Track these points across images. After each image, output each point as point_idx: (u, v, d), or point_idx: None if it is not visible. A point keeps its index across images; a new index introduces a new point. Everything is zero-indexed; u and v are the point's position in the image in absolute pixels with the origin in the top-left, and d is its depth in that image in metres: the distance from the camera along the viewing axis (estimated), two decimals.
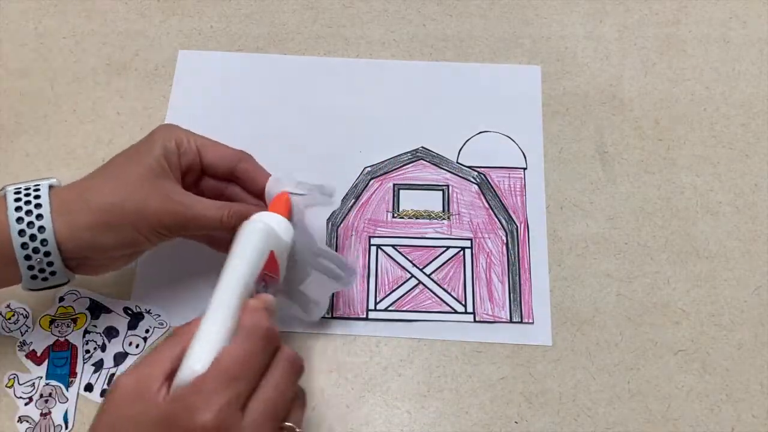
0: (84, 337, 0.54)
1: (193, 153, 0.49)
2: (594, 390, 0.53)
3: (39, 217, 0.44)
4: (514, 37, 0.65)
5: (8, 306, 0.55)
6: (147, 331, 0.54)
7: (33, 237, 0.44)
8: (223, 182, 0.51)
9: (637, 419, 0.52)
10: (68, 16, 0.66)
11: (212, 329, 0.38)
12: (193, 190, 0.49)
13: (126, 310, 0.55)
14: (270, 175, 0.50)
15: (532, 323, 0.54)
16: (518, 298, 0.55)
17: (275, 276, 0.45)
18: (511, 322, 0.54)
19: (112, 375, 0.53)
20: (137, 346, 0.53)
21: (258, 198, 0.50)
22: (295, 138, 0.61)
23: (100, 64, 0.64)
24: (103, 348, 0.53)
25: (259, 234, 0.43)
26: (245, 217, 0.47)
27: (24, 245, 0.44)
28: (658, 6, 0.67)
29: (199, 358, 0.37)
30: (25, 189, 0.46)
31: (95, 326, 0.54)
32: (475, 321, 0.54)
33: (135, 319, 0.54)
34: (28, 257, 0.44)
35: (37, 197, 0.45)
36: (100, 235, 0.45)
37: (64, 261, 0.45)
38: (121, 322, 0.54)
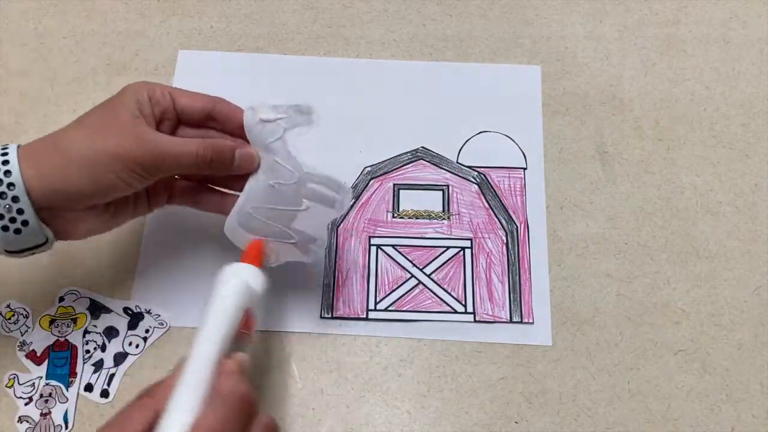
0: (84, 337, 0.54)
1: (166, 101, 0.48)
2: (594, 390, 0.53)
3: (5, 162, 0.43)
4: (514, 37, 0.65)
5: (8, 306, 0.55)
6: (147, 331, 0.54)
7: None
8: (200, 129, 0.50)
9: (637, 419, 0.52)
10: (68, 16, 0.66)
11: (188, 394, 0.37)
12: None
13: (126, 310, 0.55)
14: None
15: (532, 323, 0.54)
16: (518, 298, 0.55)
17: (250, 333, 0.44)
18: (511, 322, 0.54)
19: (112, 375, 0.53)
20: (137, 346, 0.53)
21: (238, 137, 0.49)
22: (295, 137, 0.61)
23: (100, 64, 0.64)
24: (103, 348, 0.53)
25: (234, 293, 0.43)
26: (220, 149, 0.47)
27: None
28: (658, 6, 0.67)
29: (174, 426, 0.36)
30: None
31: (95, 326, 0.54)
32: (475, 321, 0.54)
33: (135, 319, 0.54)
34: None
35: (4, 148, 0.43)
36: (71, 178, 0.44)
37: (36, 212, 0.43)
38: (121, 322, 0.54)
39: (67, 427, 0.51)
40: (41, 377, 0.52)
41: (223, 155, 0.47)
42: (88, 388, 0.52)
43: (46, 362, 0.53)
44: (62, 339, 0.54)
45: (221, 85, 0.64)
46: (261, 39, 0.65)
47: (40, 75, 0.63)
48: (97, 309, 0.55)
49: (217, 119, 0.49)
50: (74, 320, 0.54)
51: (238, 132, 0.49)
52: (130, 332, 0.54)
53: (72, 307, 0.55)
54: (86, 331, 0.54)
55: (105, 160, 0.44)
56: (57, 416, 0.51)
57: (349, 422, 0.52)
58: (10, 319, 0.54)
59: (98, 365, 0.53)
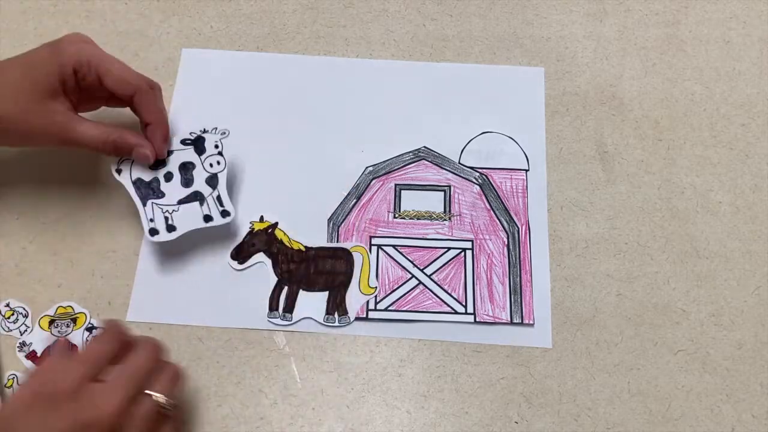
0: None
1: (92, 78, 0.52)
2: (594, 390, 0.53)
3: None
4: (514, 38, 0.65)
5: (7, 305, 0.54)
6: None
7: None
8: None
9: (637, 419, 0.52)
10: (68, 16, 0.66)
11: None
12: (86, 104, 0.54)
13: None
14: (153, 122, 0.54)
15: (533, 325, 0.54)
16: (519, 300, 0.55)
17: None
18: (511, 323, 0.54)
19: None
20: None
21: (146, 126, 0.54)
22: (297, 137, 0.61)
23: None
24: None
25: None
26: (121, 148, 0.53)
27: None
28: (658, 6, 0.67)
29: None
30: None
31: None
32: (475, 322, 0.54)
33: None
34: None
35: None
36: None
37: None
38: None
39: None
40: None
41: (121, 149, 0.53)
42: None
43: None
44: (62, 339, 0.54)
45: (224, 84, 0.64)
46: (261, 39, 0.65)
47: None
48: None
49: (134, 108, 0.54)
50: (74, 320, 0.54)
51: (144, 126, 0.54)
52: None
53: (71, 306, 0.55)
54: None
55: (10, 129, 0.50)
56: None
57: (349, 422, 0.52)
58: (9, 318, 0.54)
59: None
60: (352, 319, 0.54)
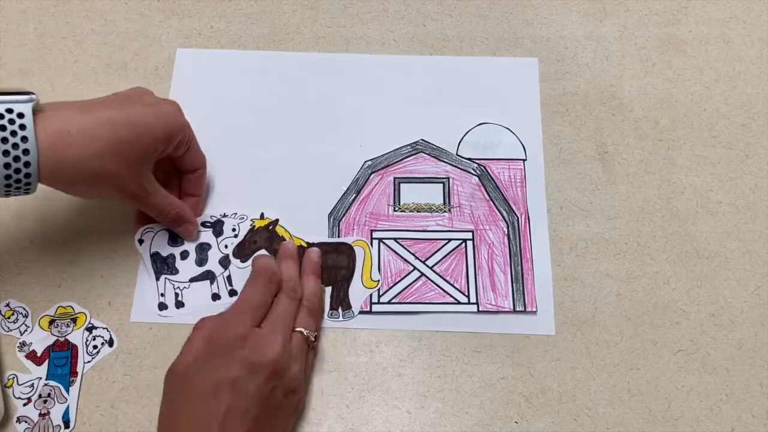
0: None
1: (181, 151, 0.54)
2: (594, 390, 0.53)
3: (25, 152, 0.45)
4: (514, 37, 0.65)
5: (7, 305, 0.54)
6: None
7: (18, 170, 0.45)
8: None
9: (637, 419, 0.52)
10: (68, 16, 0.66)
11: None
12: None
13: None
14: (199, 195, 0.57)
15: (535, 312, 0.54)
16: (521, 288, 0.55)
17: None
18: (514, 311, 0.54)
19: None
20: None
21: (186, 196, 0.57)
22: (295, 133, 0.61)
23: (100, 64, 0.64)
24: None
25: None
26: (177, 221, 0.55)
27: (6, 174, 0.45)
28: (658, 6, 0.67)
29: None
30: (7, 111, 0.45)
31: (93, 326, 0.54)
32: (478, 311, 0.54)
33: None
34: (8, 177, 0.45)
35: (23, 132, 0.45)
36: (74, 188, 0.49)
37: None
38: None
39: (66, 428, 0.51)
40: (41, 378, 0.52)
41: (177, 222, 0.55)
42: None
43: (46, 362, 0.53)
44: (62, 339, 0.54)
45: (221, 82, 0.64)
46: (261, 39, 0.65)
47: (40, 75, 0.63)
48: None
49: (187, 179, 0.56)
50: (74, 320, 0.54)
51: (187, 195, 0.57)
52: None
53: (71, 306, 0.55)
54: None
55: (104, 186, 0.49)
56: (56, 417, 0.51)
57: (349, 422, 0.52)
58: (9, 318, 0.54)
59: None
60: (355, 314, 0.54)
